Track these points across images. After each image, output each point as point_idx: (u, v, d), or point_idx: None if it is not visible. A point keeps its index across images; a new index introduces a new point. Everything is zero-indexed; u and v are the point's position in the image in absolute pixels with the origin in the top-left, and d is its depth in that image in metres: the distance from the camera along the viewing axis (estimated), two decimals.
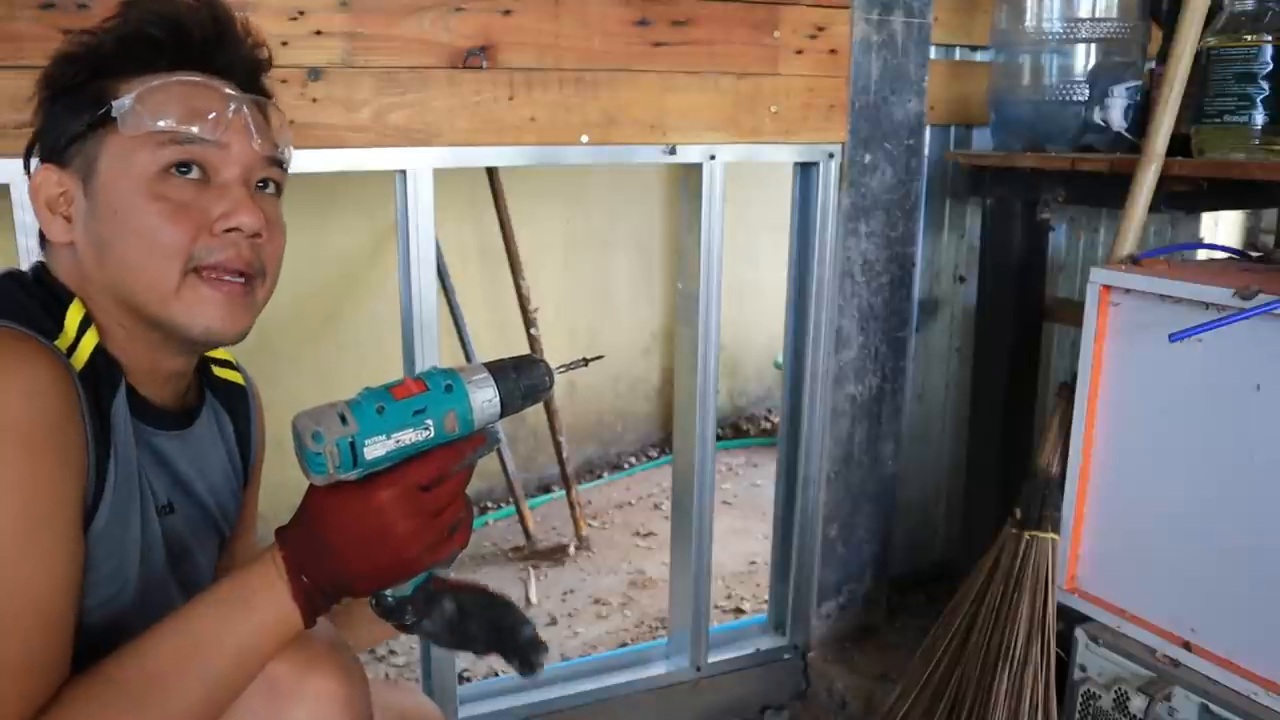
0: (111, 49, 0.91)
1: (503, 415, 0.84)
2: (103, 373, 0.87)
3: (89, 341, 0.87)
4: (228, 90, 0.92)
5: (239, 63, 0.95)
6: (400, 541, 0.79)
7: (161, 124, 0.88)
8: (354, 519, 0.79)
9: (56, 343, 0.84)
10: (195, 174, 0.90)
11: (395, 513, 0.79)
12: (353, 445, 0.77)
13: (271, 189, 0.96)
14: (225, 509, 1.05)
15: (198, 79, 0.91)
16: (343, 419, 0.77)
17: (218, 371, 1.06)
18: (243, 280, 0.92)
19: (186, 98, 0.90)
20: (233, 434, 1.07)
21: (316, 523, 0.80)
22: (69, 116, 0.90)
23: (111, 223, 0.89)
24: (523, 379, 0.84)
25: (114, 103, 0.88)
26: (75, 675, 0.79)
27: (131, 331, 0.91)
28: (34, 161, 0.94)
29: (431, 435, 0.80)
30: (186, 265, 0.89)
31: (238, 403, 1.08)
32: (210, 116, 0.90)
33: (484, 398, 0.82)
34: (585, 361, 0.91)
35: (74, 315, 0.88)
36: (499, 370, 0.84)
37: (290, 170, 1.49)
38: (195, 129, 0.89)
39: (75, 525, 0.81)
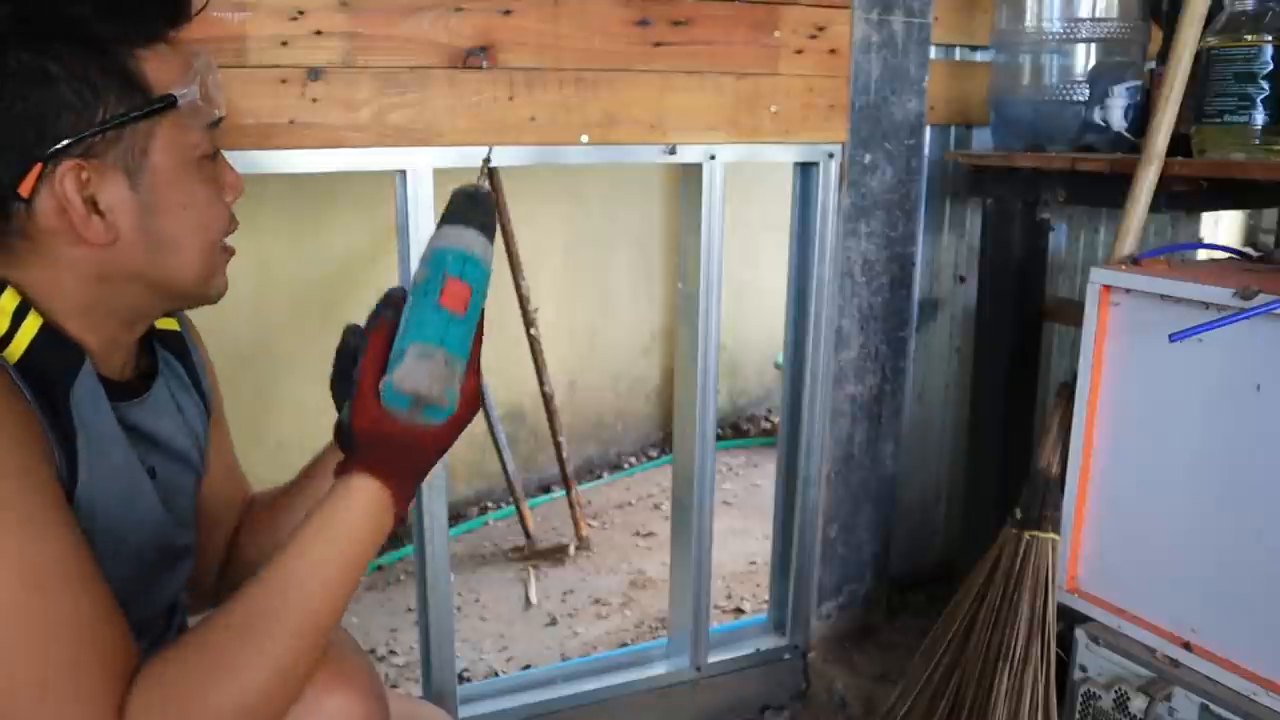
0: (113, 17, 0.83)
1: None
2: (52, 357, 0.84)
3: (29, 329, 0.83)
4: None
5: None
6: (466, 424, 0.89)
7: (214, 109, 0.89)
8: (447, 432, 0.87)
9: None
10: None
11: (469, 412, 0.88)
12: (458, 381, 0.85)
13: None
14: (200, 453, 1.06)
15: (203, 54, 0.90)
16: (448, 364, 0.84)
17: (158, 324, 1.05)
18: None
19: (212, 75, 0.89)
20: (186, 375, 1.07)
21: (413, 443, 0.85)
22: (87, 101, 0.82)
23: (177, 215, 0.88)
24: (480, 212, 0.89)
25: (179, 91, 0.86)
26: (192, 628, 0.80)
27: (119, 310, 0.89)
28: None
29: (479, 317, 0.88)
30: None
31: (180, 347, 1.07)
32: (221, 95, 0.91)
33: (489, 255, 0.88)
34: (486, 161, 0.97)
35: (6, 304, 0.83)
36: (466, 218, 0.88)
37: (290, 170, 1.51)
38: (220, 110, 0.91)
39: (65, 509, 0.79)
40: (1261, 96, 1.41)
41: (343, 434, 0.90)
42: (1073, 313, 1.71)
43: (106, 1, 0.83)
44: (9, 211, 0.83)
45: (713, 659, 1.98)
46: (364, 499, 0.85)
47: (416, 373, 0.82)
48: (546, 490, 3.15)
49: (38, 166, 0.81)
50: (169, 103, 0.85)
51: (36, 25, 0.81)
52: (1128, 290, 1.38)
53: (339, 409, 0.95)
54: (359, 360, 0.86)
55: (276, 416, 2.45)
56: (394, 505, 0.86)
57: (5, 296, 0.84)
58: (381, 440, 0.84)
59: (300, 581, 0.82)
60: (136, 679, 0.76)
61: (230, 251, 0.97)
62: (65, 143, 0.82)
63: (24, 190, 0.82)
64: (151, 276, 0.89)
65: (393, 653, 2.27)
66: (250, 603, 0.80)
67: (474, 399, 0.88)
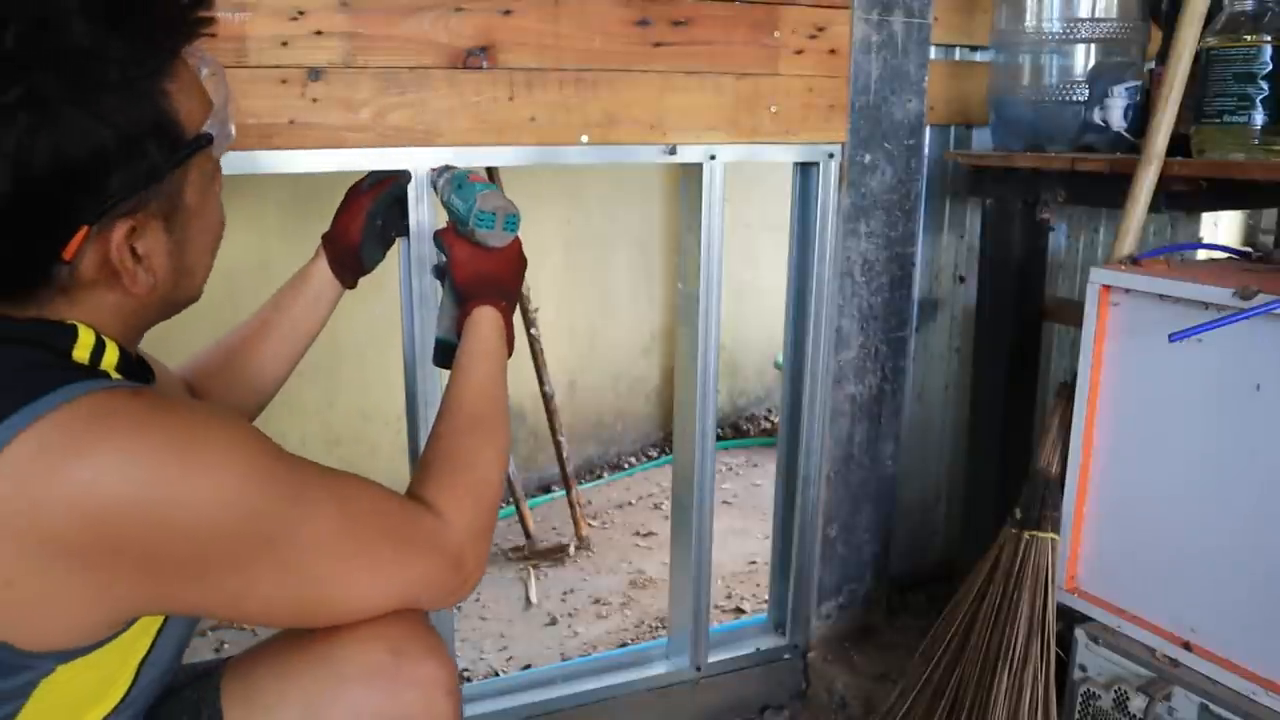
0: (134, 47, 0.76)
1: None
2: (135, 379, 0.85)
3: (110, 357, 0.83)
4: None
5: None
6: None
7: (231, 132, 0.91)
8: (514, 260, 1.26)
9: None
10: None
11: (522, 257, 1.29)
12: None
13: None
14: None
15: (214, 66, 0.91)
16: (503, 195, 1.23)
17: None
18: None
19: (231, 100, 0.92)
20: None
21: (498, 271, 1.23)
22: (133, 156, 0.77)
23: (200, 241, 0.88)
24: (443, 167, 1.45)
25: (209, 126, 0.83)
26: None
27: (140, 330, 0.90)
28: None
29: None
30: None
31: None
32: (233, 112, 0.94)
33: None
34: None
35: (85, 341, 0.81)
36: (441, 171, 1.42)
37: (290, 170, 1.50)
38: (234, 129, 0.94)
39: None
40: (1261, 96, 1.41)
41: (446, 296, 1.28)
42: (1073, 313, 1.71)
43: (126, 31, 0.75)
44: (49, 274, 0.79)
45: (713, 659, 1.98)
46: (485, 320, 1.16)
47: (492, 197, 1.21)
48: (546, 490, 3.15)
49: (84, 230, 0.77)
50: (206, 142, 0.83)
51: (73, 73, 0.73)
52: (1127, 290, 1.38)
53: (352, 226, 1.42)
54: (442, 264, 1.26)
55: (276, 415, 2.44)
56: (504, 318, 1.19)
57: (82, 335, 0.81)
58: (479, 278, 1.19)
59: (474, 388, 1.10)
60: (416, 490, 0.97)
61: None
62: (114, 204, 0.77)
63: (68, 254, 0.77)
64: (172, 299, 0.89)
65: None
66: (451, 421, 1.07)
67: (520, 250, 1.26)
